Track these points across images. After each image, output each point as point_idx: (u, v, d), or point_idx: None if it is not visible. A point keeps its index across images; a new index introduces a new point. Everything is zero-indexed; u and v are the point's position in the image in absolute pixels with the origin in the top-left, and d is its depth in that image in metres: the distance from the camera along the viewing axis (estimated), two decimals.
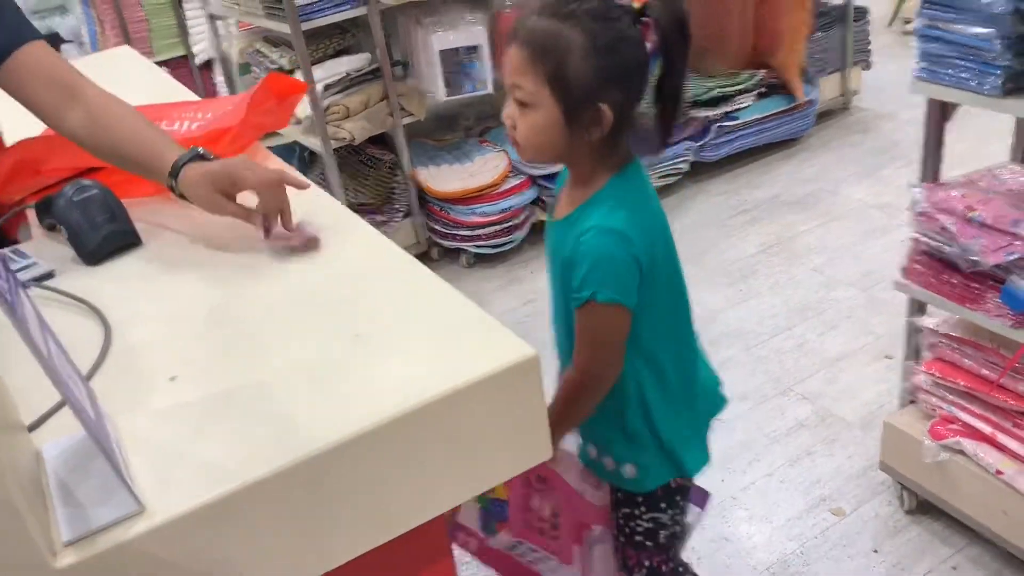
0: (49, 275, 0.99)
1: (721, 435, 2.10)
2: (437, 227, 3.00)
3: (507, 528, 1.37)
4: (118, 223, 1.02)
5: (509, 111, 1.12)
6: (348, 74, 2.82)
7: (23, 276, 0.97)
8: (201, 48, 4.18)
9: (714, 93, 3.26)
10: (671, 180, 3.33)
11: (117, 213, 1.02)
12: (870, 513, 1.86)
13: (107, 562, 0.60)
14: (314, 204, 1.11)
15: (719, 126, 3.32)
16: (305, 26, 2.66)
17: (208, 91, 4.48)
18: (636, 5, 1.07)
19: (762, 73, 3.35)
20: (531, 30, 1.07)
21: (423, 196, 2.99)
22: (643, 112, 1.12)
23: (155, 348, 0.83)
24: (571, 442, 1.30)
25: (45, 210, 1.07)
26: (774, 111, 3.40)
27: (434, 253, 3.08)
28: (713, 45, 3.32)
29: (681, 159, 3.31)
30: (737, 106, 3.32)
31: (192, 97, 1.65)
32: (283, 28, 2.70)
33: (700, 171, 3.42)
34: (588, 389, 1.17)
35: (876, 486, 1.92)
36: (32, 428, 0.71)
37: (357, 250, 0.97)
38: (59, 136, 1.32)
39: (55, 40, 6.49)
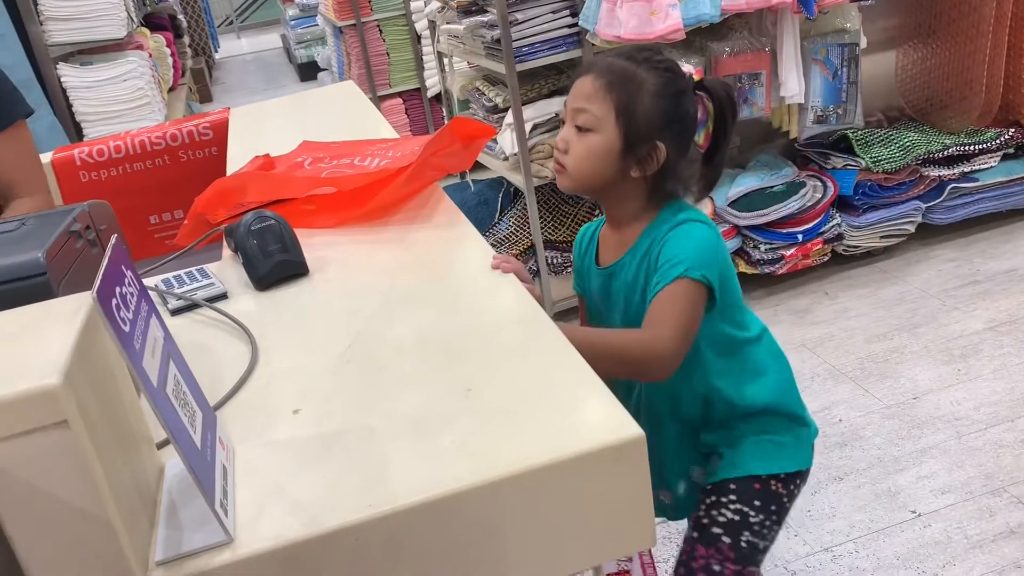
0: (223, 296, 1.07)
1: (914, 529, 1.90)
2: None
3: None
4: (289, 253, 1.09)
5: (565, 134, 1.21)
6: (557, 114, 2.86)
7: (199, 295, 1.05)
8: (433, 82, 4.44)
9: (951, 151, 2.99)
10: (894, 240, 3.09)
11: (289, 244, 1.09)
12: None
13: None
14: (471, 250, 1.13)
15: (954, 187, 3.04)
16: (520, 67, 2.74)
17: (436, 122, 4.74)
18: (696, 78, 1.22)
19: (1011, 132, 3.02)
20: (609, 64, 1.20)
21: None
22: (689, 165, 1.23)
23: (291, 378, 0.87)
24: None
25: (230, 234, 1.16)
26: (1021, 175, 3.05)
27: None
28: (955, 100, 3.04)
29: (907, 219, 3.06)
30: (977, 167, 3.02)
31: (392, 134, 1.74)
32: (499, 68, 2.80)
33: (928, 233, 3.14)
34: (647, 357, 1.11)
35: None
36: (162, 445, 0.76)
37: (497, 303, 0.97)
38: (258, 171, 1.44)
39: (312, 68, 7.17)
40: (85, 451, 0.57)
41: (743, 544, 1.24)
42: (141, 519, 0.65)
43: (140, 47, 4.13)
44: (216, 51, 10.19)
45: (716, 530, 1.24)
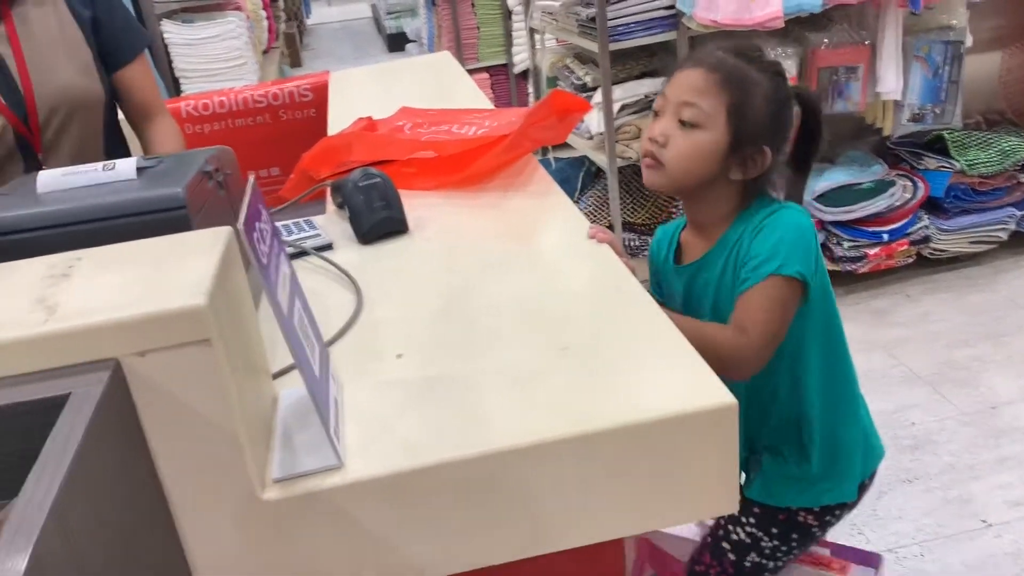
0: (328, 246, 1.12)
1: (985, 539, 1.87)
2: None
3: None
4: (392, 210, 1.13)
5: (665, 128, 1.14)
6: (646, 96, 2.86)
7: (307, 244, 1.11)
8: (520, 59, 4.46)
9: None
10: (984, 247, 3.00)
11: (392, 202, 1.14)
12: None
13: (303, 504, 0.67)
14: (565, 219, 1.16)
15: None
16: (613, 46, 2.74)
17: (520, 99, 4.76)
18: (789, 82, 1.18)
19: None
20: (722, 60, 1.14)
21: None
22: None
23: (393, 326, 0.91)
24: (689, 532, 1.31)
25: (337, 190, 1.21)
26: None
27: None
28: None
29: (1000, 226, 2.97)
30: None
31: (488, 106, 1.78)
32: (592, 47, 2.81)
33: (1021, 242, 3.04)
34: (733, 360, 1.05)
35: None
36: (277, 376, 0.82)
37: (591, 270, 1.00)
38: (363, 132, 1.49)
39: (401, 39, 7.25)
40: (222, 369, 0.62)
41: (747, 564, 1.24)
42: (261, 440, 0.70)
43: (239, 8, 4.25)
44: (307, 17, 10.37)
45: (725, 545, 1.25)
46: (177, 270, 0.65)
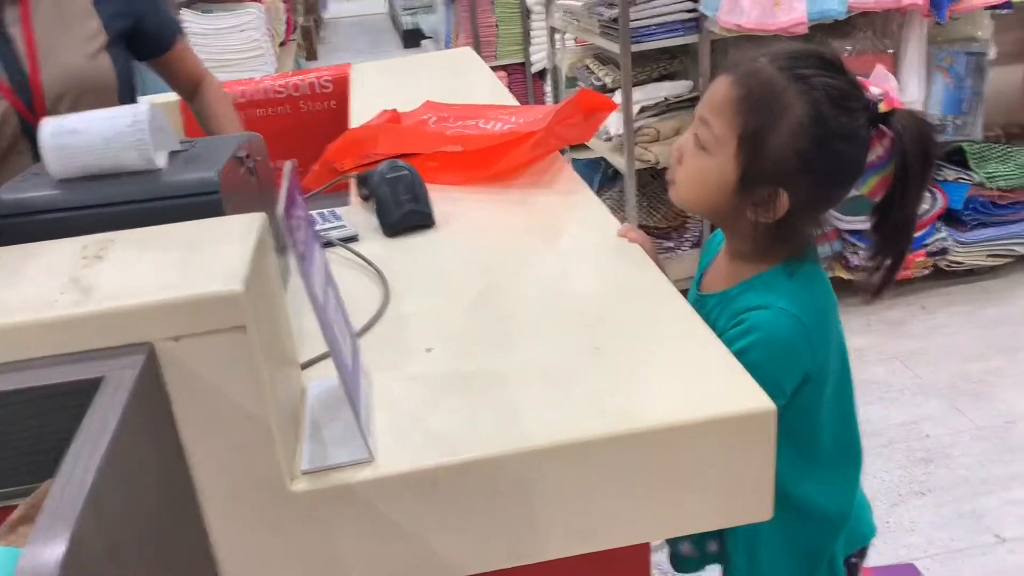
0: (353, 238, 1.11)
1: (997, 554, 1.86)
2: None
3: None
4: (418, 204, 1.12)
5: (683, 142, 0.98)
6: (666, 99, 2.85)
7: (333, 235, 1.10)
8: (538, 58, 4.44)
9: None
10: (1001, 261, 2.98)
11: (420, 195, 1.13)
12: None
13: (332, 497, 0.66)
14: (594, 217, 1.14)
15: None
16: (635, 48, 2.73)
17: (537, 98, 4.75)
18: (883, 108, 0.91)
19: None
20: (754, 72, 0.92)
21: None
22: (828, 218, 1.00)
23: (421, 319, 0.90)
24: None
25: (363, 182, 1.20)
26: None
27: None
28: None
29: (1018, 240, 2.95)
30: None
31: (512, 102, 1.76)
32: (613, 47, 2.79)
33: None
34: None
35: None
36: (305, 366, 0.80)
37: (622, 269, 0.99)
38: (388, 124, 1.48)
39: (417, 35, 7.25)
40: (256, 357, 0.61)
41: None
42: (290, 430, 0.69)
43: None
44: (324, 10, 10.37)
45: None
46: (212, 255, 0.64)
